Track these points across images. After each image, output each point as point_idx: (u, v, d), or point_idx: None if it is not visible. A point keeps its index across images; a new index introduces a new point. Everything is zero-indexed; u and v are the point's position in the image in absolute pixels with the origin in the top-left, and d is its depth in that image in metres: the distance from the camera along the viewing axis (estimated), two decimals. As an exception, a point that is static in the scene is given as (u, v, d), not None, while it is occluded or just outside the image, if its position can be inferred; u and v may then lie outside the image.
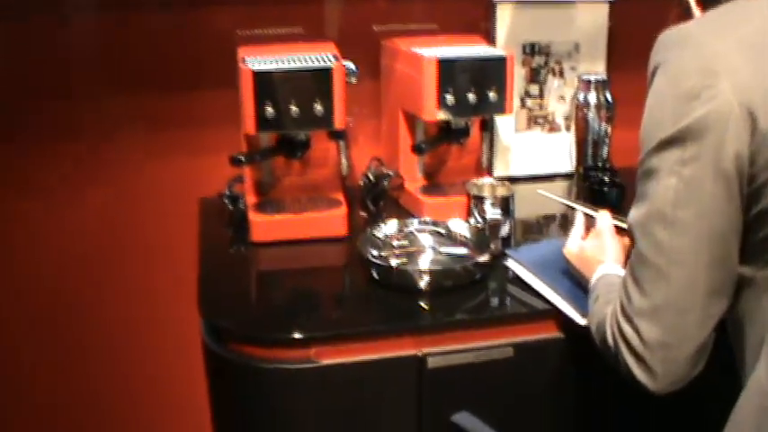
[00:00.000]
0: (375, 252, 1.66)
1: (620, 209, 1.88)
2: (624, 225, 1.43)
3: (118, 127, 2.04)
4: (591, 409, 1.57)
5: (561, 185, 2.23)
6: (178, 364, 2.09)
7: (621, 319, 1.14)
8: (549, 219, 2.00)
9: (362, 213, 1.99)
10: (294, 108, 1.70)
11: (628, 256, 1.38)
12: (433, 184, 2.03)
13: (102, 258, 2.12)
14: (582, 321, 1.41)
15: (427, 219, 1.79)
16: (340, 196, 1.92)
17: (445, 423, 1.48)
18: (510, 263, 1.62)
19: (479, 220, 1.72)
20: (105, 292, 2.15)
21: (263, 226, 1.80)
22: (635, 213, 1.15)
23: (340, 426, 1.47)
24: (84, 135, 2.03)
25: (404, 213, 1.96)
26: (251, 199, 1.90)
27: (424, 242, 1.74)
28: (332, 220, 1.83)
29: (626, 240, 1.44)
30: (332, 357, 1.43)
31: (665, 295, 1.09)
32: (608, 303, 1.21)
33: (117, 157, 2.06)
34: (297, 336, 1.42)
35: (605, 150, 2.14)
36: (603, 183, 1.98)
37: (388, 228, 1.74)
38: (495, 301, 1.57)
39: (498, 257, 1.67)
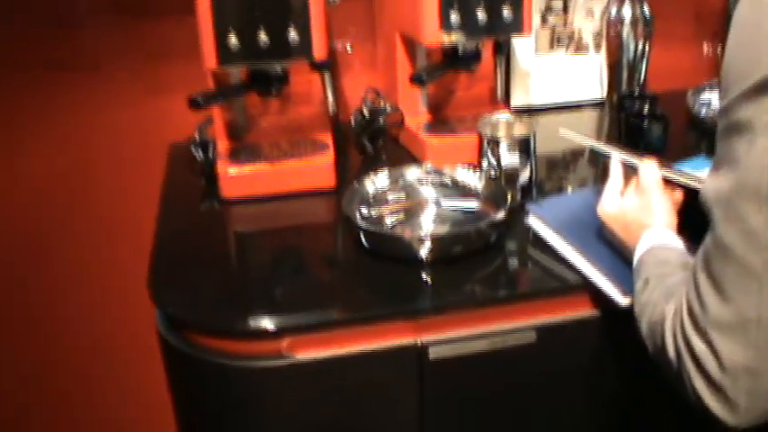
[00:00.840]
0: (364, 211, 1.36)
1: (663, 151, 1.59)
2: (674, 177, 1.12)
3: (70, 62, 1.75)
4: (631, 407, 1.29)
5: (590, 117, 1.93)
6: (137, 347, 1.80)
7: (691, 331, 0.84)
8: (580, 161, 1.67)
9: (358, 157, 1.71)
10: (263, 36, 1.39)
11: (680, 216, 1.09)
12: (439, 119, 1.73)
13: (51, 223, 1.85)
14: (623, 301, 1.13)
15: (429, 166, 1.48)
16: (328, 138, 1.62)
17: (451, 426, 1.21)
18: (531, 221, 1.32)
19: (494, 166, 1.42)
20: (54, 261, 1.89)
21: (235, 180, 1.51)
22: (715, 184, 0.84)
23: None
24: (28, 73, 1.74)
25: (404, 156, 1.68)
26: (222, 145, 1.61)
27: (425, 195, 1.44)
28: (317, 169, 1.54)
29: (677, 195, 1.14)
30: (308, 351, 1.16)
31: (758, 305, 0.79)
32: (665, 297, 0.92)
33: (68, 100, 1.77)
34: (265, 326, 1.15)
35: (642, 74, 1.83)
36: (642, 114, 1.66)
37: (381, 179, 1.44)
38: (513, 272, 1.27)
39: (517, 214, 1.38)
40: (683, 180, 1.12)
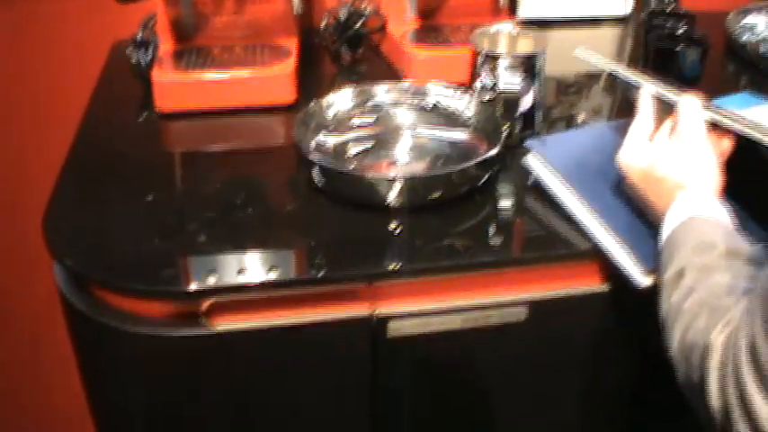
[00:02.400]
0: (321, 138, 1.09)
1: (697, 83, 1.30)
2: (726, 121, 0.85)
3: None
4: (640, 402, 1.04)
5: (611, 35, 1.62)
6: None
7: (753, 386, 0.61)
8: (596, 89, 1.38)
9: (331, 70, 1.44)
10: None
11: (727, 175, 0.82)
12: (429, 28, 1.44)
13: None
14: (643, 282, 0.87)
15: (407, 84, 1.20)
16: (292, 44, 1.33)
17: (412, 422, 0.96)
18: (531, 162, 1.04)
19: (489, 88, 1.13)
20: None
21: (171, 88, 1.24)
22: None
23: (246, 415, 0.96)
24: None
25: (384, 70, 1.41)
26: (165, 47, 1.32)
27: (400, 121, 1.16)
28: (273, 81, 1.26)
29: (724, 145, 0.87)
30: (232, 321, 0.91)
31: None
32: (711, 312, 0.69)
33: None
34: (181, 288, 0.89)
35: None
36: (674, 36, 1.36)
37: (344, 97, 1.16)
38: (503, 230, 0.99)
39: (514, 152, 1.10)
40: (737, 126, 0.85)
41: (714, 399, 0.64)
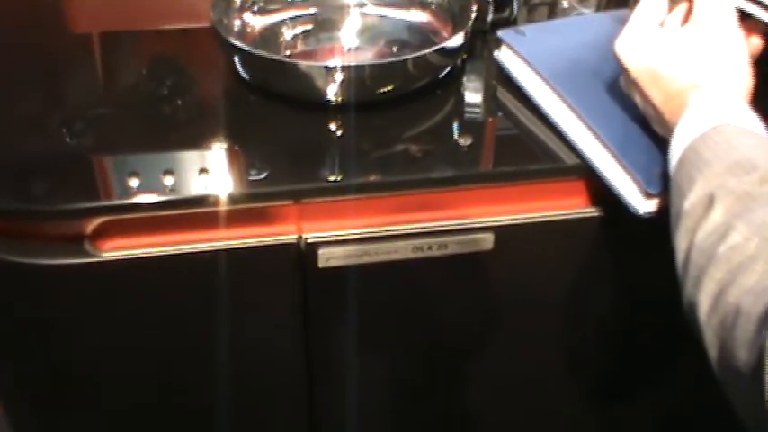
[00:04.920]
0: (248, 18, 0.88)
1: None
2: (757, 10, 0.66)
3: None
4: (627, 347, 0.88)
5: None
6: None
7: None
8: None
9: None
10: None
11: (757, 78, 0.63)
12: None
13: None
14: (643, 207, 0.69)
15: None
16: None
17: (347, 372, 0.80)
18: (504, 56, 0.85)
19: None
20: None
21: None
22: None
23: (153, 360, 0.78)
24: None
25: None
26: None
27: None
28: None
29: (754, 42, 0.67)
30: (122, 246, 0.72)
31: None
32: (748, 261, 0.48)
33: None
34: (68, 203, 0.69)
35: None
36: None
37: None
38: (466, 135, 0.79)
39: (483, 41, 0.91)
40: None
41: (744, 354, 0.47)
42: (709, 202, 0.55)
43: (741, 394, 0.50)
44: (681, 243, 0.56)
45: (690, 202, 0.56)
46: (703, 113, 0.61)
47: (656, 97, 0.67)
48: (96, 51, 0.95)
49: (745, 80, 0.64)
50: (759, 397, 0.45)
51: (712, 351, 0.52)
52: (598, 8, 0.99)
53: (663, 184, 0.67)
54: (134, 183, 0.70)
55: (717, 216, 0.54)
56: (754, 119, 0.60)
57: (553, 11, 1.02)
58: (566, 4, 1.01)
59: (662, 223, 0.61)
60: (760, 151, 0.56)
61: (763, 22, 0.67)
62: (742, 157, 0.55)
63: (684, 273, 0.55)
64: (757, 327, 0.47)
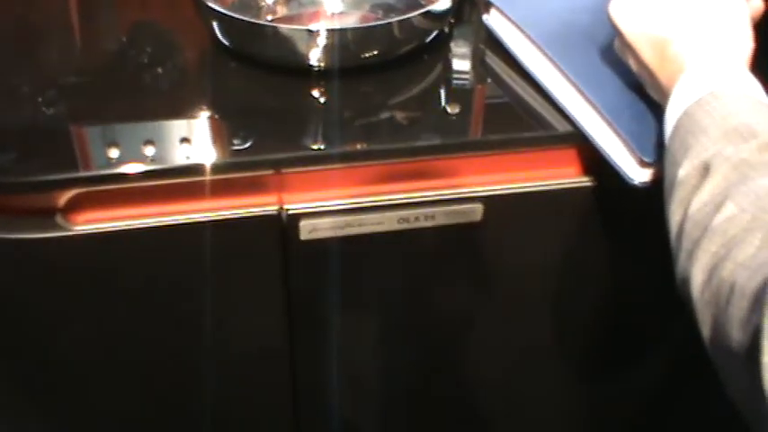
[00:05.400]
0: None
1: None
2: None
3: None
4: (618, 324, 0.87)
5: None
6: None
7: None
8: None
9: None
10: None
11: (758, 42, 0.61)
12: None
13: None
14: (638, 176, 0.67)
15: None
16: None
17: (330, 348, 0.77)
18: (493, 19, 0.82)
19: None
20: None
21: None
22: None
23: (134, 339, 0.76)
24: None
25: None
26: None
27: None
28: None
29: (755, 4, 0.65)
30: (96, 219, 0.68)
31: None
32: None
33: None
34: (32, 178, 0.66)
35: None
36: None
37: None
38: (455, 103, 0.77)
39: (471, 2, 0.89)
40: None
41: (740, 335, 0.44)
42: (705, 170, 0.52)
43: (734, 374, 0.47)
44: (674, 214, 0.54)
45: (684, 170, 0.53)
46: (700, 78, 0.58)
47: (652, 61, 0.64)
48: (73, 17, 0.92)
49: (746, 44, 0.61)
50: (753, 380, 0.43)
51: (705, 329, 0.49)
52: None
53: (658, 153, 0.64)
54: (113, 153, 0.67)
55: (712, 185, 0.51)
56: (754, 84, 0.57)
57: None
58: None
59: (657, 193, 0.59)
60: (760, 117, 0.53)
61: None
62: (740, 124, 0.53)
63: (678, 245, 0.53)
64: (751, 304, 0.44)
